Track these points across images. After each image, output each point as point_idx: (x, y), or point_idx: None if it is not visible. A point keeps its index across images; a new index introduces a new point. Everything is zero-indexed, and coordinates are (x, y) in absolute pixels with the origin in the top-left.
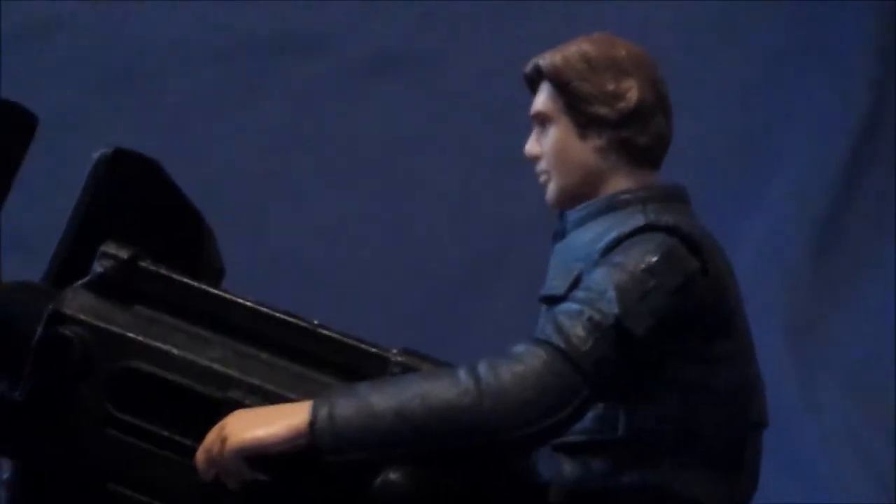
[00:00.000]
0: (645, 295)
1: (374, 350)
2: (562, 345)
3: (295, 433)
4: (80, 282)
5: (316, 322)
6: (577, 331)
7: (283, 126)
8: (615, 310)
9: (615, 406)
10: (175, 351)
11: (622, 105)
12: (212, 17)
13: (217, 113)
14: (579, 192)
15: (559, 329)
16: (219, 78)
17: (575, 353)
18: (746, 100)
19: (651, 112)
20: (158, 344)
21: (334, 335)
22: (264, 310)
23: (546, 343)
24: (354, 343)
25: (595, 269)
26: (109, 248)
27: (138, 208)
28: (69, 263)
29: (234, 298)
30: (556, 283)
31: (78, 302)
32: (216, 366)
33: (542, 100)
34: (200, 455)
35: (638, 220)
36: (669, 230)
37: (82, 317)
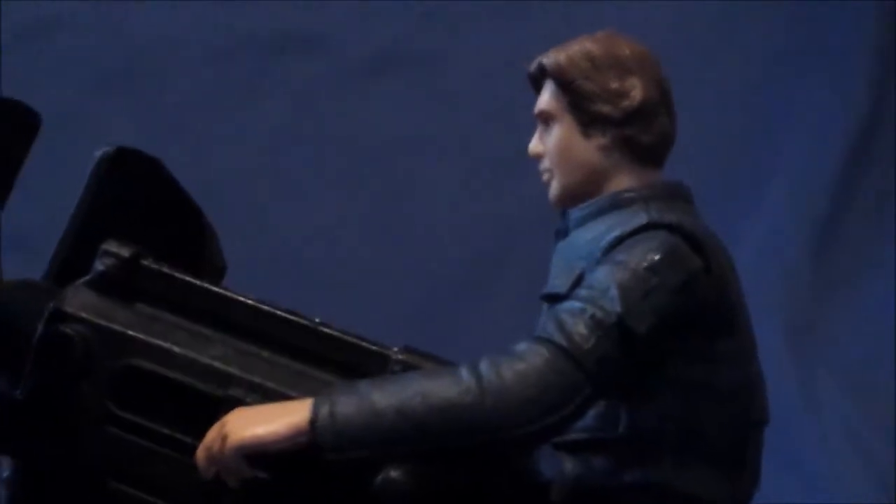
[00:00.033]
0: (647, 293)
1: (374, 348)
2: (564, 343)
3: (295, 431)
4: (81, 280)
5: (317, 320)
6: (580, 329)
7: (283, 125)
8: (617, 308)
9: (617, 404)
10: (176, 349)
11: (626, 103)
12: (212, 17)
13: (217, 112)
14: (582, 191)
15: (561, 327)
16: (219, 77)
17: (577, 351)
18: (746, 100)
19: (654, 111)
20: (159, 342)
21: (335, 333)
22: (265, 308)
23: (548, 341)
24: (355, 341)
25: (597, 268)
26: (111, 246)
27: (140, 206)
28: (70, 262)
29: (235, 296)
30: (558, 281)
31: (79, 300)
32: (217, 364)
33: (546, 98)
34: (201, 453)
35: (640, 219)
36: (672, 228)
37: (83, 315)
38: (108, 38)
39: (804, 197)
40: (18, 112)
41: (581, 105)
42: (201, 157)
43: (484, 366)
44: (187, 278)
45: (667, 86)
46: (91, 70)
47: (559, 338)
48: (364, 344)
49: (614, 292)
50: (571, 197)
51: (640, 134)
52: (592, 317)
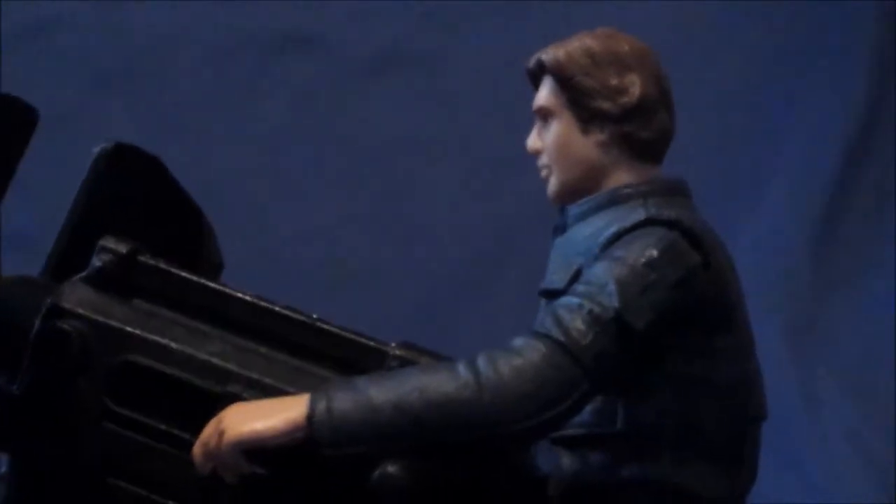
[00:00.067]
0: (645, 289)
1: (372, 344)
2: (561, 338)
3: (293, 426)
4: (78, 276)
5: (314, 316)
6: (577, 324)
7: (282, 124)
8: (615, 303)
9: (615, 400)
10: (174, 345)
11: (625, 100)
12: (211, 16)
13: (217, 111)
14: (581, 187)
15: (559, 322)
16: (219, 77)
17: (574, 346)
18: (746, 99)
19: (653, 107)
20: (157, 338)
21: (333, 329)
22: (263, 304)
23: (545, 336)
24: (353, 337)
25: (595, 263)
26: (108, 242)
27: (138, 203)
28: (68, 258)
29: (233, 293)
30: (556, 276)
31: (76, 296)
32: (215, 360)
33: (545, 94)
34: (198, 448)
35: (639, 215)
36: (670, 224)
37: (81, 311)
38: (108, 37)
39: (804, 196)
40: (16, 108)
41: (580, 101)
42: (201, 156)
43: (481, 361)
44: (185, 274)
45: (666, 82)
46: (91, 69)
47: (557, 333)
48: (362, 340)
49: (612, 288)
50: (570, 193)
51: (638, 130)
52: (590, 312)
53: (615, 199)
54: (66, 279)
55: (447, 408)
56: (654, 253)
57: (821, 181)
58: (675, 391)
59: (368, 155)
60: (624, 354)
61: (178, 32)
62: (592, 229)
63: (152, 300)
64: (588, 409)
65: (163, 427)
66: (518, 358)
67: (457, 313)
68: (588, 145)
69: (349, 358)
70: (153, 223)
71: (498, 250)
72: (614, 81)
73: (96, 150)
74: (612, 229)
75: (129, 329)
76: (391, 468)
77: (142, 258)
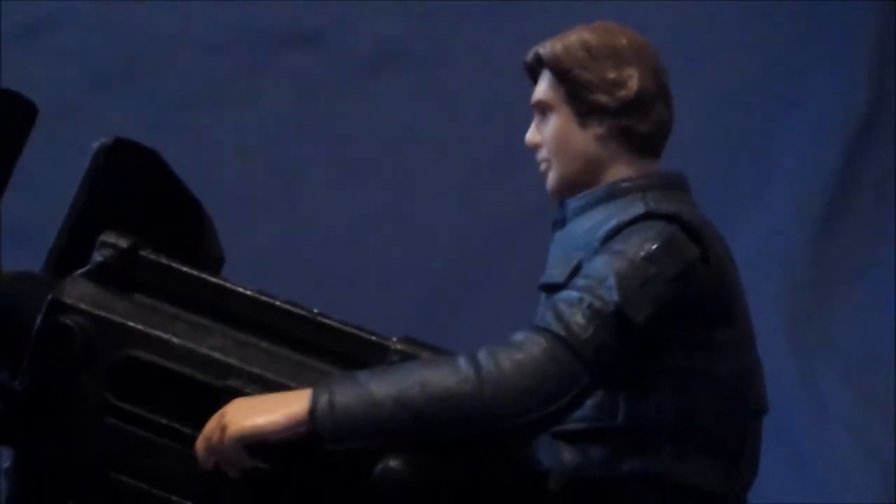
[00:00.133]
0: (645, 282)
1: (373, 338)
2: (562, 332)
3: (295, 421)
4: (79, 271)
5: (316, 311)
6: (577, 318)
7: (283, 120)
8: (615, 297)
9: (615, 394)
10: (175, 340)
11: (623, 93)
12: (212, 11)
13: (217, 106)
14: (579, 181)
15: (559, 317)
16: (219, 73)
17: (575, 340)
18: (747, 97)
19: (651, 100)
20: (158, 333)
21: (334, 324)
22: (264, 298)
23: (546, 331)
24: (354, 331)
25: (595, 257)
26: (109, 237)
27: (138, 198)
28: (69, 253)
29: (234, 287)
30: (556, 271)
31: (78, 291)
32: (216, 354)
33: (543, 88)
34: (200, 443)
35: (638, 208)
36: (669, 218)
37: (82, 306)
38: (108, 32)
39: (805, 192)
40: (15, 103)
41: (578, 95)
42: (201, 152)
43: (482, 355)
44: (186, 269)
45: (664, 76)
46: (91, 65)
47: (557, 327)
48: (363, 334)
49: (612, 281)
50: (569, 187)
51: (637, 124)
52: (590, 306)
53: (614, 193)
54: (68, 274)
55: (448, 402)
56: (654, 246)
57: (821, 178)
58: (676, 385)
59: (369, 151)
60: (624, 348)
61: (177, 29)
62: (592, 223)
63: (153, 295)
64: (589, 403)
65: (164, 422)
66: (519, 352)
67: (457, 308)
68: (586, 139)
69: (350, 352)
70: (154, 218)
71: (498, 245)
72: (612, 75)
73: (96, 144)
74: (612, 223)
75: (130, 324)
76: (393, 462)
77: (143, 253)
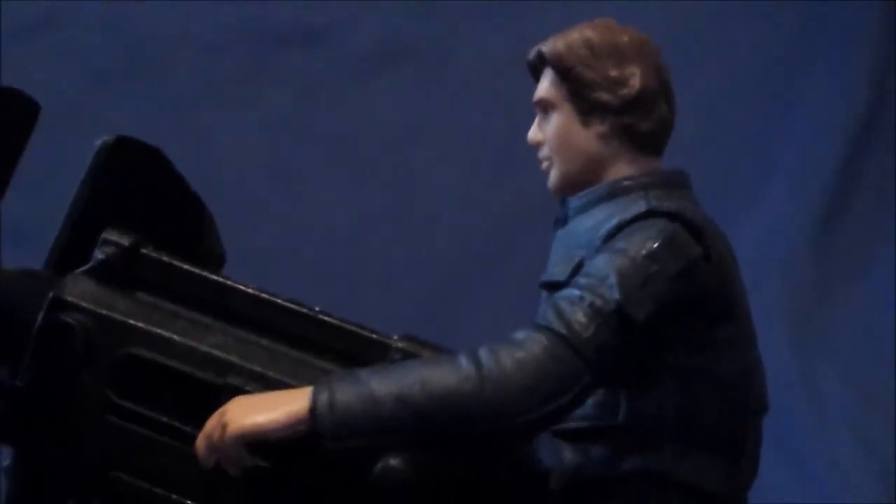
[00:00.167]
0: (646, 281)
1: (374, 336)
2: (563, 331)
3: (295, 419)
4: (81, 269)
5: (317, 308)
6: (579, 317)
7: (285, 116)
8: (616, 295)
9: (616, 392)
10: (176, 337)
11: (625, 91)
12: (213, 9)
13: (218, 105)
14: (581, 179)
15: (560, 315)
16: (220, 69)
17: (576, 339)
18: (748, 96)
19: (654, 98)
20: (159, 330)
21: (335, 321)
22: (265, 296)
23: (547, 329)
24: (355, 329)
25: (597, 256)
26: (111, 234)
27: (140, 195)
28: (70, 251)
29: (235, 285)
30: (557, 269)
31: (79, 289)
32: (217, 352)
33: (545, 86)
34: (201, 441)
35: (640, 206)
36: (671, 216)
37: (83, 304)
38: (109, 31)
39: (806, 191)
40: (18, 101)
41: (580, 93)
42: (202, 150)
43: (483, 354)
44: (187, 267)
45: (666, 74)
46: (92, 63)
47: (558, 325)
48: (364, 332)
49: (613, 280)
50: (571, 185)
51: (639, 122)
52: (591, 304)
53: (616, 191)
54: (69, 272)
55: (449, 400)
56: (655, 245)
57: (822, 176)
58: (677, 383)
59: (369, 150)
60: (625, 346)
61: (178, 27)
62: (593, 221)
63: (155, 293)
64: (590, 401)
65: (165, 420)
66: (520, 351)
67: (459, 306)
68: (588, 137)
69: (351, 350)
70: (155, 215)
71: (499, 243)
72: (614, 73)
73: (98, 142)
74: (613, 221)
75: (131, 322)
76: (393, 461)
77: (144, 251)
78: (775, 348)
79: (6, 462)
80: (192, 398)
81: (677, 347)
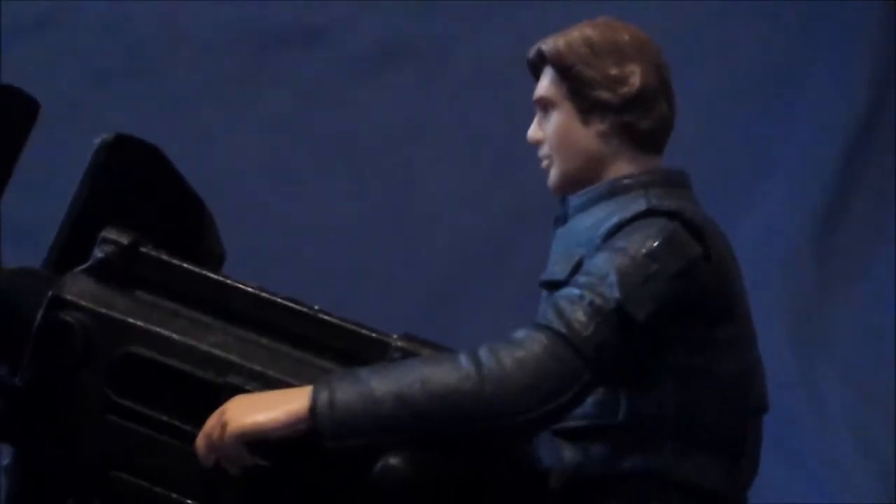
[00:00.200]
0: (646, 280)
1: (374, 335)
2: (563, 330)
3: (295, 418)
4: (80, 267)
5: (316, 307)
6: (579, 315)
7: (285, 116)
8: (616, 294)
9: (616, 391)
10: (175, 336)
11: (625, 90)
12: (213, 9)
13: (218, 104)
14: (581, 177)
15: (560, 314)
16: (220, 69)
17: (576, 338)
18: (747, 98)
19: (654, 97)
20: (159, 329)
21: (335, 320)
22: (265, 295)
23: (547, 328)
24: (355, 328)
25: (597, 254)
26: (110, 233)
27: (139, 194)
28: (69, 249)
29: (235, 284)
30: (557, 268)
31: (78, 287)
32: (216, 351)
33: (545, 85)
34: (201, 440)
35: (640, 205)
36: (671, 215)
37: (83, 302)
38: (108, 30)
39: (806, 190)
40: (17, 99)
41: (580, 91)
42: (202, 149)
43: (483, 353)
44: (187, 265)
45: (666, 72)
46: (91, 62)
47: (558, 324)
48: (364, 331)
49: (613, 279)
50: (571, 184)
51: (639, 120)
52: (591, 303)
53: (616, 190)
54: (68, 271)
55: (449, 399)
56: (655, 244)
57: (822, 176)
58: (677, 382)
59: (370, 149)
60: (625, 345)
61: (178, 26)
62: (593, 220)
63: (154, 291)
64: (590, 400)
65: (165, 419)
66: (520, 349)
67: (459, 305)
68: (588, 135)
69: (351, 349)
70: (154, 214)
71: (499, 241)
72: (614, 71)
73: (97, 141)
74: (613, 220)
75: (131, 320)
76: (393, 460)
77: (144, 249)
78: (775, 348)
79: (6, 461)
80: (192, 397)
81: (677, 347)
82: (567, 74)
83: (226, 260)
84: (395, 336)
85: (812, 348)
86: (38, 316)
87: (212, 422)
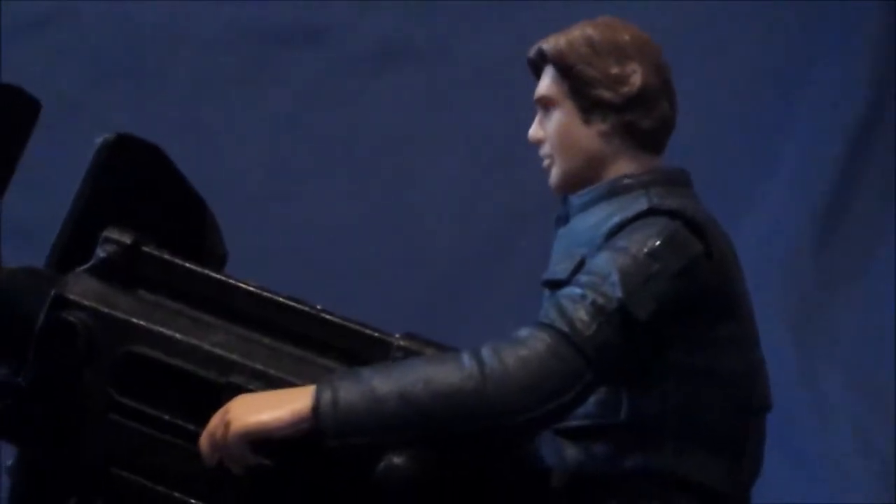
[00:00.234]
0: (648, 279)
1: (376, 334)
2: (565, 329)
3: (298, 418)
4: (82, 267)
5: (319, 307)
6: (581, 315)
7: (285, 116)
8: (618, 294)
9: (618, 390)
10: (178, 336)
11: (626, 89)
12: (214, 8)
13: (219, 103)
14: (583, 177)
15: (562, 313)
16: (221, 69)
17: (578, 337)
18: (748, 97)
19: (655, 96)
20: (161, 329)
21: (337, 320)
22: (267, 294)
23: (549, 327)
24: (357, 328)
25: (598, 254)
26: (112, 233)
27: (141, 194)
28: (72, 249)
29: (237, 283)
30: (559, 267)
31: (81, 287)
32: (219, 350)
33: (546, 84)
34: (204, 440)
35: (641, 205)
36: (672, 214)
37: (85, 302)
38: (109, 29)
39: (807, 190)
40: (19, 99)
41: (581, 91)
42: (203, 148)
43: (486, 352)
44: (189, 265)
45: (667, 71)
46: (92, 61)
47: (560, 324)
48: (366, 331)
49: (615, 278)
50: (572, 183)
51: (640, 119)
52: (593, 303)
53: (617, 189)
54: (71, 270)
55: (452, 398)
56: (657, 243)
57: (823, 176)
58: (679, 381)
59: (371, 146)
60: (627, 344)
61: (179, 26)
62: (595, 219)
63: (156, 291)
64: (592, 399)
65: (167, 418)
66: (522, 349)
67: (461, 304)
68: (590, 135)
69: (354, 349)
70: (156, 214)
71: (501, 241)
72: (615, 70)
73: (99, 140)
74: (615, 219)
75: (133, 320)
76: (396, 459)
77: (146, 249)
78: (776, 348)
79: (9, 461)
80: (195, 396)
81: (679, 345)
82: (568, 74)
83: (228, 259)
84: (397, 335)
85: (812, 348)
86: (41, 315)
87: (215, 421)
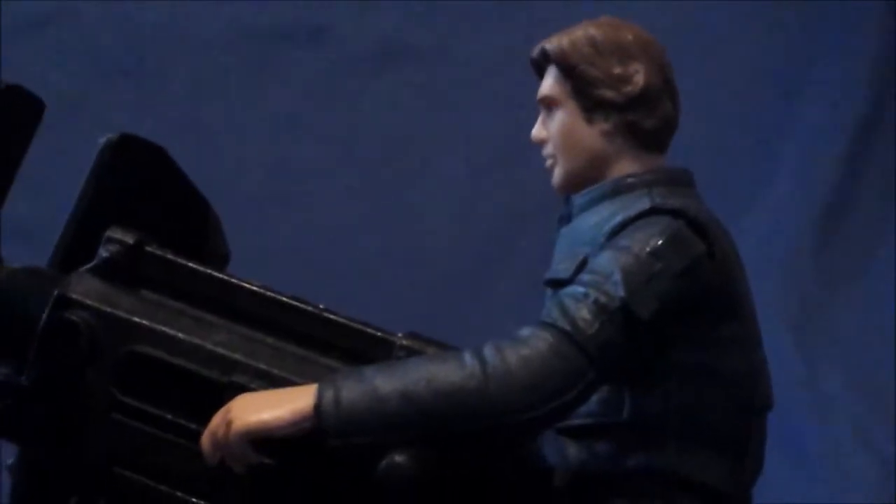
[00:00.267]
0: (651, 278)
1: (379, 334)
2: (567, 328)
3: (300, 417)
4: (85, 266)
5: (321, 306)
6: (583, 314)
7: (286, 115)
8: (621, 293)
9: (621, 389)
10: (180, 335)
11: (629, 89)
12: (215, 8)
13: (221, 103)
14: (585, 176)
15: (565, 312)
16: (222, 68)
17: (580, 336)
18: (748, 97)
19: (657, 96)
20: (164, 328)
21: (340, 319)
22: (270, 294)
23: (552, 326)
24: (360, 327)
25: (601, 253)
26: (115, 232)
27: (144, 194)
28: (74, 249)
29: (239, 283)
30: (561, 266)
31: (84, 286)
32: (221, 350)
33: (549, 84)
34: (206, 439)
35: (644, 204)
36: (675, 213)
37: (88, 301)
38: (111, 29)
39: (807, 192)
40: (22, 98)
41: (584, 90)
42: (204, 148)
43: (488, 351)
44: (192, 265)
45: (670, 71)
46: (93, 61)
47: (563, 323)
48: (369, 330)
49: (618, 277)
50: (575, 183)
51: (642, 119)
52: (596, 302)
53: (619, 189)
54: (73, 270)
55: (454, 397)
56: (659, 242)
57: (824, 176)
58: (681, 381)
59: (372, 144)
60: (630, 344)
61: (181, 25)
62: (597, 219)
63: (159, 290)
64: (594, 398)
65: (170, 418)
66: (524, 348)
67: (463, 303)
68: (592, 134)
69: (356, 348)
70: (159, 214)
71: (504, 240)
72: (618, 70)
73: (102, 140)
74: (617, 219)
75: (136, 319)
76: (398, 458)
77: (149, 249)
78: (777, 348)
79: (11, 460)
80: (197, 396)
81: (681, 345)
82: (571, 73)
83: (230, 259)
84: (399, 335)
85: (812, 348)
86: (44, 315)
87: (217, 420)
